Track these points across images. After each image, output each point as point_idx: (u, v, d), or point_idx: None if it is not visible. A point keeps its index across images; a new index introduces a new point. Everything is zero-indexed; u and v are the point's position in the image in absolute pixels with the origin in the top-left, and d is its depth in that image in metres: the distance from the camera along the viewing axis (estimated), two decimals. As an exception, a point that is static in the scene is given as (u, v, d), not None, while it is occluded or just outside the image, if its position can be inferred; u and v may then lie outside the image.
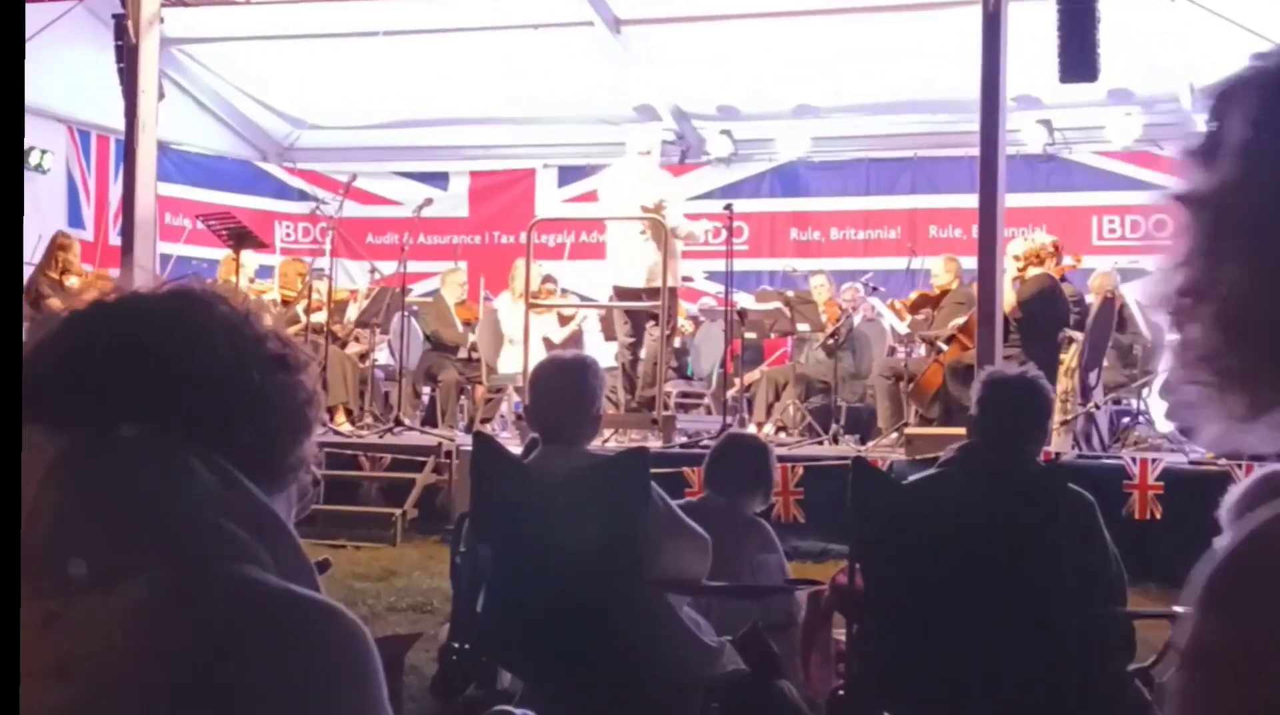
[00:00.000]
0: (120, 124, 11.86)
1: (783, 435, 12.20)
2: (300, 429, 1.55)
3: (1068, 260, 11.72)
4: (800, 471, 9.66)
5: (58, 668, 1.30)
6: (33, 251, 12.84)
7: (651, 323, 11.26)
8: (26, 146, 15.20)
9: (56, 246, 12.69)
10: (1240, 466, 9.00)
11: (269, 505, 1.45)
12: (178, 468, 1.40)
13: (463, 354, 13.66)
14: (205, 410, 1.45)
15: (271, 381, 1.52)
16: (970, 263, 11.59)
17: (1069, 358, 10.99)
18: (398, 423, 11.87)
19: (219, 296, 1.55)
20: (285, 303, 13.07)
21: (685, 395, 14.24)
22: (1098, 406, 11.16)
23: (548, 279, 14.20)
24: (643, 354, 11.54)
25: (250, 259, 13.40)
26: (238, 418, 1.48)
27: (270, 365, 1.52)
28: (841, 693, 4.32)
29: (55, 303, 12.22)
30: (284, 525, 1.45)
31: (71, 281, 12.63)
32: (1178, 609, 4.46)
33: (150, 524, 1.36)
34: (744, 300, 13.75)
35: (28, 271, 12.67)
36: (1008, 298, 10.60)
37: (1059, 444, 10.37)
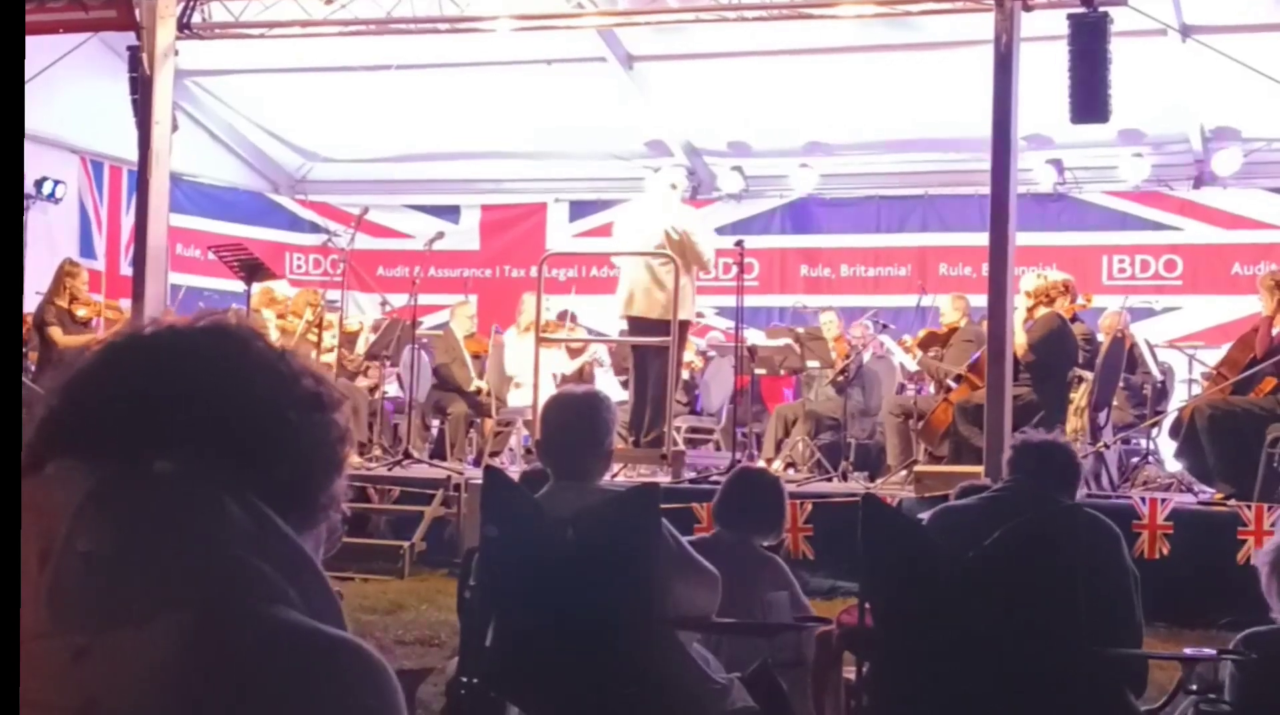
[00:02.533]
0: (133, 154, 11.92)
1: (791, 471, 12.19)
2: (332, 467, 1.54)
3: (1080, 300, 11.72)
4: (809, 508, 9.66)
5: (84, 706, 1.29)
6: (43, 280, 12.88)
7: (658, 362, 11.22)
8: (40, 176, 15.26)
9: (64, 273, 12.72)
10: (1249, 507, 8.99)
11: (299, 543, 1.43)
12: (210, 505, 1.39)
13: (470, 388, 13.67)
14: (239, 447, 1.44)
15: (306, 420, 1.50)
16: (980, 301, 11.60)
17: (1078, 397, 10.97)
18: (406, 455, 11.87)
19: (255, 333, 1.54)
20: (285, 332, 12.93)
21: (694, 430, 14.24)
22: (1107, 446, 11.13)
23: (571, 317, 14.20)
24: (650, 392, 11.50)
25: (283, 291, 13.43)
26: (271, 455, 1.46)
27: (305, 403, 1.51)
28: (851, 731, 4.31)
29: (56, 333, 12.25)
30: (313, 564, 1.44)
31: (80, 312, 12.65)
32: (1188, 651, 4.45)
33: (181, 561, 1.34)
34: (754, 336, 13.76)
35: (37, 300, 12.73)
36: (1018, 338, 10.60)
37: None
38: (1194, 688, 4.18)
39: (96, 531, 1.35)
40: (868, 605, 4.18)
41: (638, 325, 11.22)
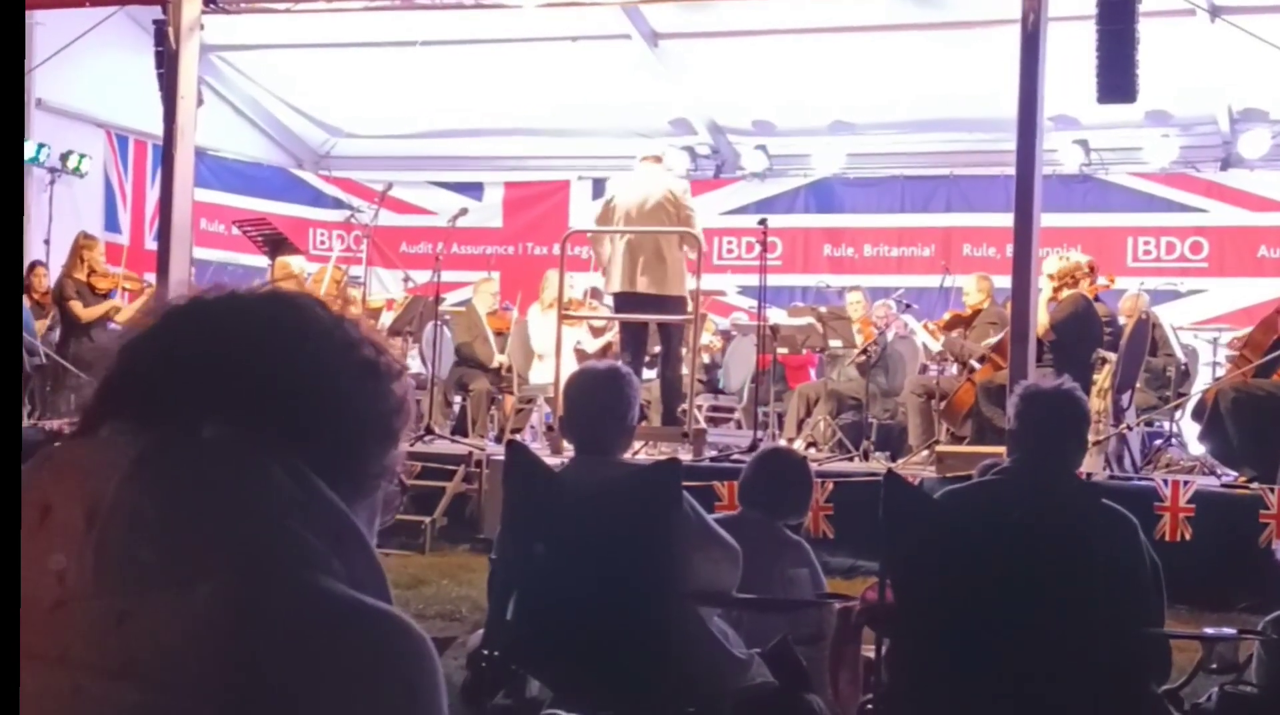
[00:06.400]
0: (158, 129, 11.92)
1: (813, 451, 12.17)
2: (385, 438, 1.53)
3: (1101, 280, 11.67)
4: (831, 487, 9.65)
5: (125, 667, 1.30)
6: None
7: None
8: (65, 150, 15.32)
9: (80, 247, 12.79)
10: (1272, 491, 8.96)
11: (346, 513, 1.43)
12: (257, 472, 1.39)
13: (493, 365, 13.68)
14: (289, 415, 1.44)
15: (359, 389, 1.50)
16: (1003, 282, 11.56)
17: (1102, 378, 10.93)
18: (428, 431, 11.89)
19: (315, 300, 1.54)
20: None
21: (715, 409, 14.23)
22: (1130, 428, 11.11)
23: (595, 293, 14.14)
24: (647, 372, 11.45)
25: (299, 266, 13.48)
26: (322, 424, 1.46)
27: (359, 372, 1.51)
28: (870, 707, 4.32)
29: (77, 307, 12.32)
30: (359, 534, 1.44)
31: (99, 283, 12.71)
32: (1208, 630, 4.45)
33: (226, 528, 1.35)
34: (776, 315, 13.74)
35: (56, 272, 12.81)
36: (1042, 319, 10.56)
37: (1091, 465, 10.32)
38: (1214, 667, 4.18)
39: (143, 495, 1.35)
40: (888, 582, 4.18)
41: (630, 301, 11.04)
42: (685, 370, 11.35)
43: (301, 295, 1.56)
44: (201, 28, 11.69)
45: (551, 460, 4.79)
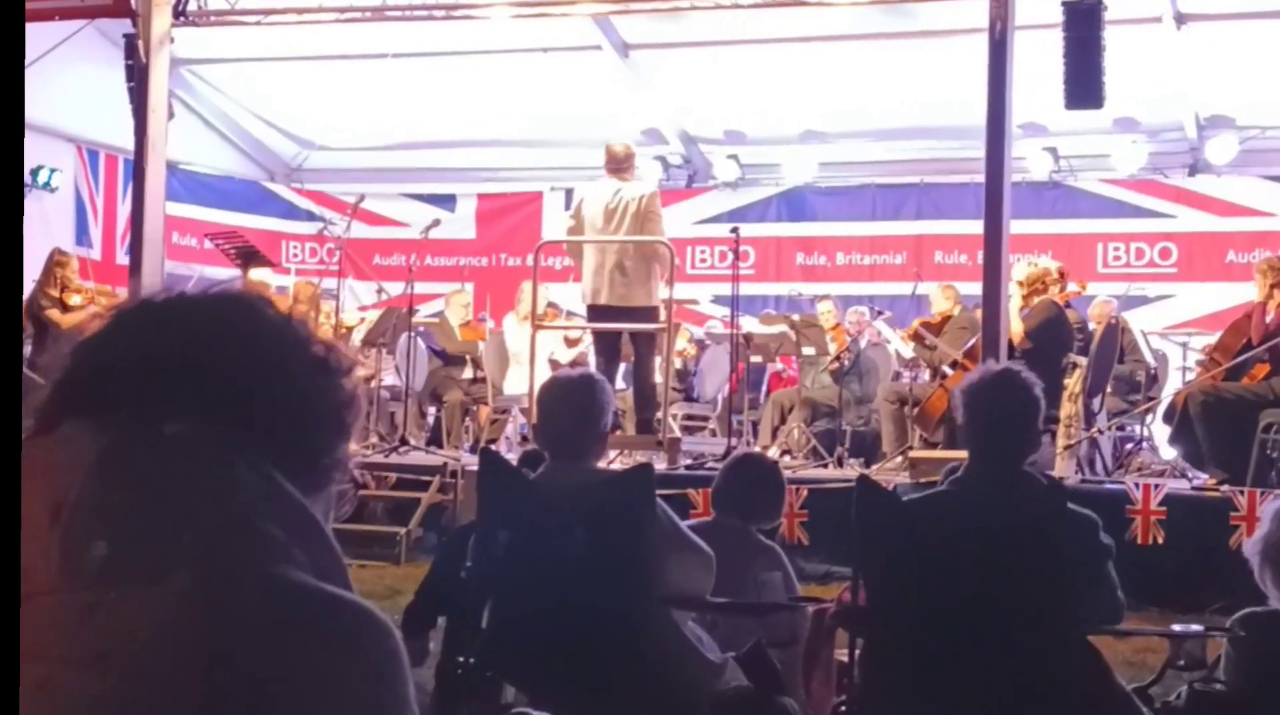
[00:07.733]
0: (129, 143, 11.92)
1: (788, 458, 12.21)
2: (338, 432, 1.57)
3: (1072, 286, 11.75)
4: (805, 494, 9.68)
5: (95, 658, 1.32)
6: (38, 270, 12.91)
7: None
8: (35, 164, 15.26)
9: (54, 263, 12.76)
10: (1242, 493, 9.03)
11: (306, 506, 1.46)
12: (219, 467, 1.41)
13: (468, 374, 13.69)
14: (247, 410, 1.46)
15: (313, 384, 1.53)
16: (973, 288, 11.62)
17: (1073, 383, 11.00)
18: (403, 442, 11.90)
19: (266, 299, 1.57)
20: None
21: (690, 417, 14.26)
22: (1101, 432, 11.17)
23: (551, 305, 14.16)
24: (620, 383, 11.43)
25: (269, 279, 13.45)
26: (278, 419, 1.49)
27: (312, 368, 1.54)
28: (843, 709, 4.34)
29: (55, 313, 12.30)
30: (320, 526, 1.47)
31: (74, 299, 12.69)
32: (1176, 628, 4.48)
33: (191, 522, 1.37)
34: (749, 324, 13.77)
35: (30, 288, 12.75)
36: (1015, 326, 10.62)
37: (1062, 468, 10.39)
38: (1182, 664, 4.21)
39: (108, 491, 1.37)
40: (860, 584, 4.21)
41: (602, 314, 10.94)
42: (659, 378, 11.35)
43: (250, 294, 1.59)
44: (171, 41, 11.70)
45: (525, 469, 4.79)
